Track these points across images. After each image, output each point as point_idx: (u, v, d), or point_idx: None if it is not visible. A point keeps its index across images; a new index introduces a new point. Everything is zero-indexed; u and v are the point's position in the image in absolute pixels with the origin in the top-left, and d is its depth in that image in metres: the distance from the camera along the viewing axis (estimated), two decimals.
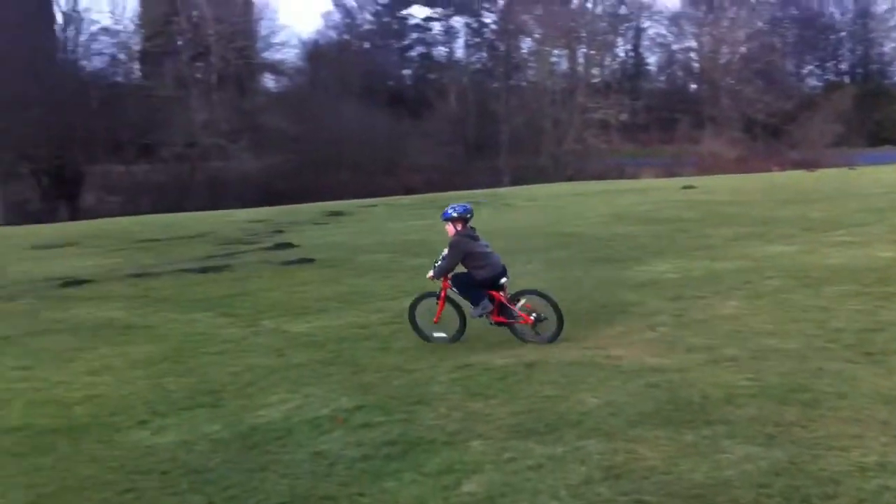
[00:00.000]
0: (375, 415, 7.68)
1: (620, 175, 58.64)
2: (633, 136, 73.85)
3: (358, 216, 32.79)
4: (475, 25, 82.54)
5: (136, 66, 70.69)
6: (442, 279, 10.29)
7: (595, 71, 76.60)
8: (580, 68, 75.36)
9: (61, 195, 58.89)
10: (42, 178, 59.50)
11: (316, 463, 6.62)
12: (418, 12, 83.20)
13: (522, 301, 10.06)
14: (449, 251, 10.15)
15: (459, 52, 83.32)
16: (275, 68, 76.83)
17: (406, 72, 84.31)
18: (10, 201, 56.61)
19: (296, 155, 62.89)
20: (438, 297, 10.42)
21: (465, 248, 10.08)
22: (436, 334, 10.43)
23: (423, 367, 9.30)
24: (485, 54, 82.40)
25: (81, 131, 59.98)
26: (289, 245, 22.89)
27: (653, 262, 16.00)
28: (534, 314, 9.95)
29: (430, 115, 70.90)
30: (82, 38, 67.30)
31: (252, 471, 6.55)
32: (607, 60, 78.99)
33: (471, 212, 10.34)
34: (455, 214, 10.22)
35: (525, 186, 46.39)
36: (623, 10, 78.42)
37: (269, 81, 78.81)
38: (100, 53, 68.79)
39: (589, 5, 76.79)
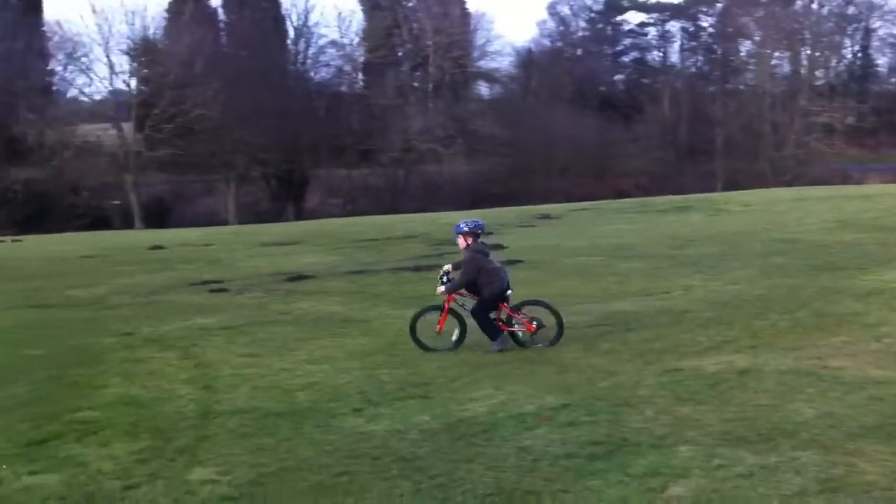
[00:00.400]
0: (580, 414, 7.66)
1: (845, 180, 55.23)
2: (859, 141, 69.28)
3: (567, 219, 32.73)
4: (692, 29, 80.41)
5: (360, 76, 73.93)
6: (445, 294, 10.68)
7: (819, 73, 72.39)
8: (803, 71, 71.44)
9: (288, 197, 62.44)
10: (271, 181, 63.31)
11: (521, 458, 6.69)
12: (633, 18, 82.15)
13: (524, 310, 10.70)
14: (464, 267, 10.55)
15: (674, 57, 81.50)
16: (489, 76, 78.08)
17: (618, 77, 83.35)
18: (243, 202, 60.63)
19: (506, 159, 63.58)
20: (442, 310, 10.78)
21: (479, 264, 10.49)
22: (435, 345, 10.73)
23: (629, 370, 9.19)
24: (700, 58, 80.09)
25: (308, 138, 63.40)
26: (498, 246, 23.12)
27: (880, 270, 15.00)
28: (535, 321, 10.56)
29: (641, 119, 69.70)
30: (311, 51, 71.22)
31: (459, 461, 6.70)
32: (833, 62, 74.52)
33: (482, 227, 10.87)
34: (467, 229, 10.69)
35: (740, 191, 44.62)
36: (851, 10, 73.67)
37: (482, 89, 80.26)
38: (327, 65, 72.61)
39: (814, 6, 72.68)
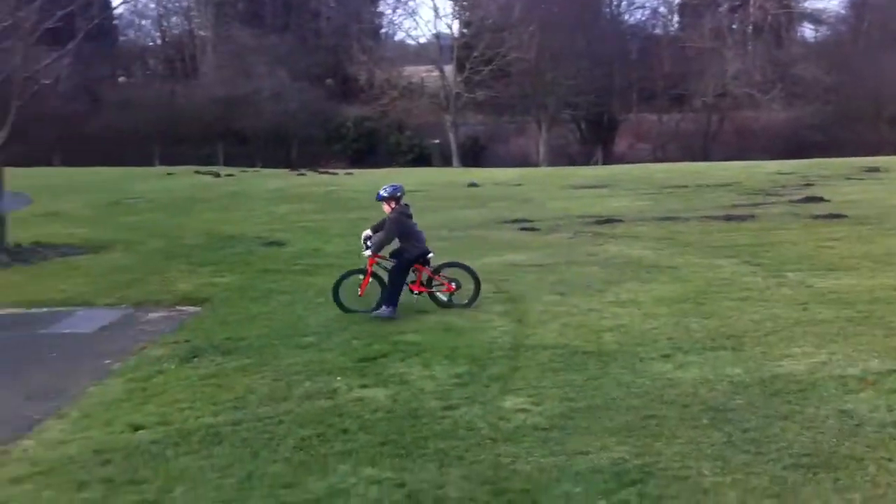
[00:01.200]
0: None
1: None
2: None
3: None
4: None
5: (675, 18, 71.72)
6: (370, 256, 10.63)
7: None
8: None
9: (597, 140, 62.28)
10: (581, 124, 63.43)
11: (841, 421, 6.40)
12: None
13: (444, 272, 10.94)
14: (388, 226, 10.59)
15: None
16: (814, 17, 72.56)
17: None
18: (553, 145, 61.30)
19: (829, 107, 59.09)
20: (365, 273, 10.76)
21: (404, 226, 10.61)
22: (355, 307, 10.67)
23: None
24: None
25: (619, 81, 62.70)
26: (818, 199, 21.86)
27: None
28: (454, 282, 10.87)
29: None
30: None
31: (772, 418, 6.53)
32: None
33: (401, 190, 10.79)
34: (386, 195, 10.69)
35: None
36: None
37: (806, 31, 74.85)
38: (641, 7, 71.24)
39: None
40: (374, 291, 10.75)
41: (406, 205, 10.88)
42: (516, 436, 6.36)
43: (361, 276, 10.86)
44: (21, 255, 16.35)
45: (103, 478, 5.88)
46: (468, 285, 10.93)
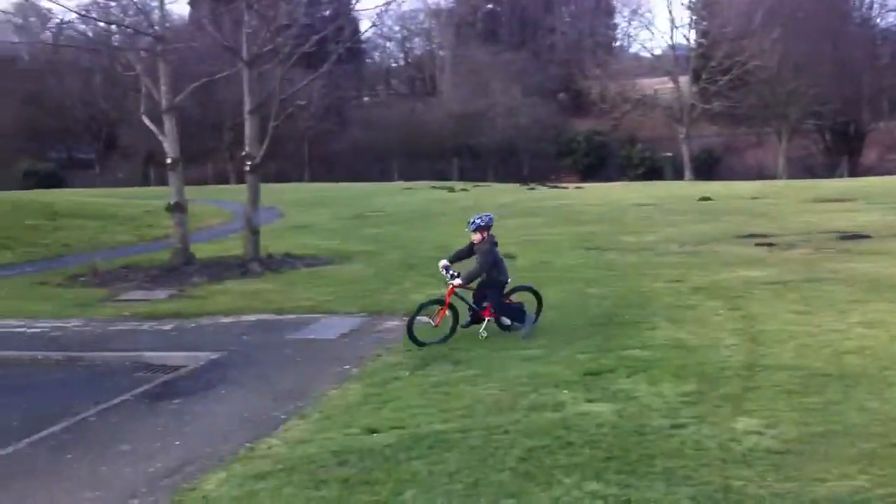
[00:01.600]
0: None
1: None
2: None
3: None
4: None
5: None
6: (449, 286, 10.48)
7: None
8: None
9: (843, 152, 58.58)
10: (826, 134, 59.94)
11: None
12: None
13: (513, 296, 10.89)
14: (481, 258, 10.49)
15: None
16: None
17: None
18: (793, 156, 58.33)
19: None
20: (442, 303, 10.55)
21: (494, 256, 10.51)
22: (429, 340, 10.34)
23: None
24: None
25: (869, 89, 58.68)
26: None
27: None
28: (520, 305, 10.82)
29: None
30: None
31: None
32: None
33: (493, 220, 10.77)
34: (483, 223, 10.58)
35: None
36: None
37: None
38: (893, 10, 66.18)
39: None
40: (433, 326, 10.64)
41: (492, 234, 10.73)
42: (748, 458, 6.13)
43: (438, 307, 10.66)
44: (272, 264, 17.65)
45: (340, 477, 6.22)
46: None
